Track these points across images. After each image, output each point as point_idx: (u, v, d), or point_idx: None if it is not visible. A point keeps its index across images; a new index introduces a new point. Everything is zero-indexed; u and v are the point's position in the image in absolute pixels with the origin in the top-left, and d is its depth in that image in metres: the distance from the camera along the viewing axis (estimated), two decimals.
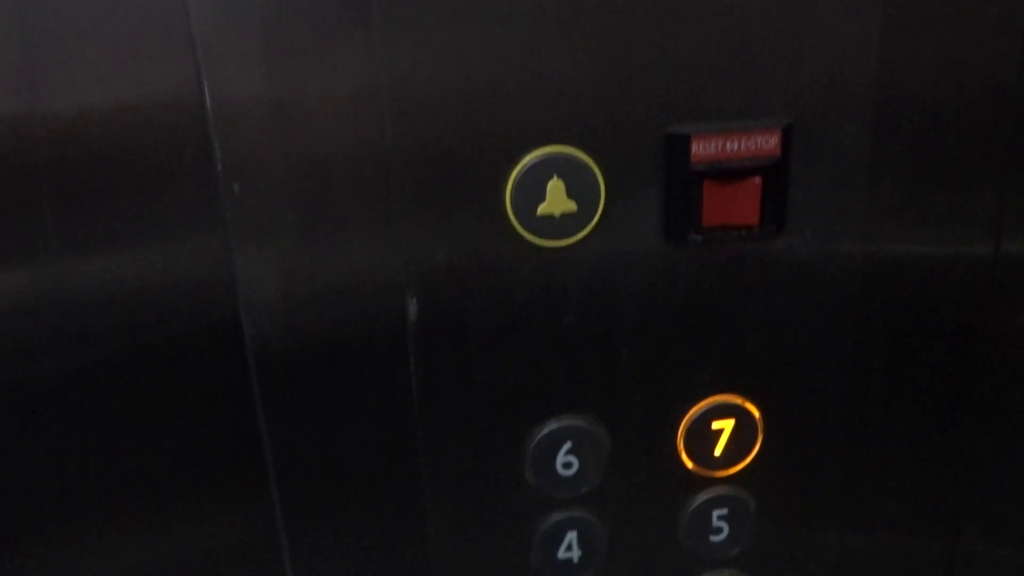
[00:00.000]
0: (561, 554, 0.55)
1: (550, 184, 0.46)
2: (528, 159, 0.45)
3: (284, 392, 0.49)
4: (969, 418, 0.56)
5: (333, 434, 0.51)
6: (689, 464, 0.54)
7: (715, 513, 0.56)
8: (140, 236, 0.45)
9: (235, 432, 0.50)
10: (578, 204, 0.46)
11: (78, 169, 0.43)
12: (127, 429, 0.49)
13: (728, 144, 0.46)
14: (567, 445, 0.52)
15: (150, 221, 0.45)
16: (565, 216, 0.47)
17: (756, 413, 0.53)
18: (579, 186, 0.46)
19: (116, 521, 0.51)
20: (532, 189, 0.46)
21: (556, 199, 0.46)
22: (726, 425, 0.53)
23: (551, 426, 0.52)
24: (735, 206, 0.47)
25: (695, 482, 0.55)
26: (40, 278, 0.45)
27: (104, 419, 0.49)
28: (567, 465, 0.53)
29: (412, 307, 0.48)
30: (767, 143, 0.46)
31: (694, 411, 0.53)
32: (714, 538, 0.56)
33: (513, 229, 0.47)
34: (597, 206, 0.47)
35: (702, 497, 0.55)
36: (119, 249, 0.45)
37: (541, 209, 0.46)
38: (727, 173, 0.46)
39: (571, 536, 0.55)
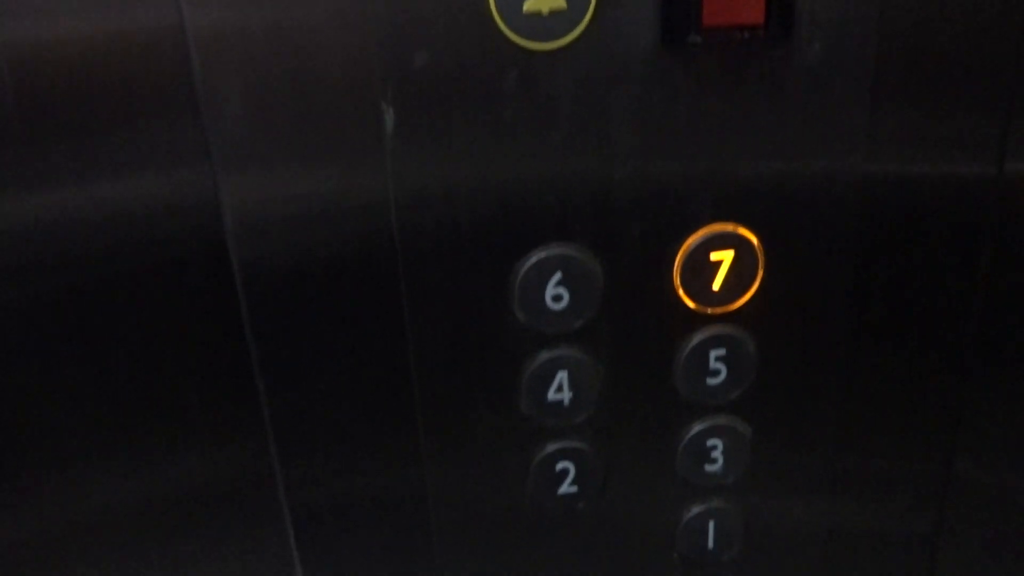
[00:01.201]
0: (551, 395, 0.53)
1: None
2: None
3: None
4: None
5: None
6: (686, 299, 0.51)
7: (713, 353, 0.53)
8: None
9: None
10: (567, 0, 0.43)
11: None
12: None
13: None
14: (556, 276, 0.49)
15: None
16: (554, 14, 0.43)
17: (756, 243, 0.50)
18: None
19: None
20: None
21: None
22: (725, 257, 0.50)
23: (539, 255, 0.49)
24: (738, 3, 0.43)
25: (692, 319, 0.52)
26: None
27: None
28: (557, 298, 0.50)
29: (388, 117, 0.44)
30: None
31: (692, 240, 0.50)
32: (711, 380, 0.54)
33: (497, 29, 0.43)
34: (588, 3, 0.43)
35: (699, 336, 0.52)
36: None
37: (527, 6, 0.43)
38: None
39: (561, 376, 0.52)
